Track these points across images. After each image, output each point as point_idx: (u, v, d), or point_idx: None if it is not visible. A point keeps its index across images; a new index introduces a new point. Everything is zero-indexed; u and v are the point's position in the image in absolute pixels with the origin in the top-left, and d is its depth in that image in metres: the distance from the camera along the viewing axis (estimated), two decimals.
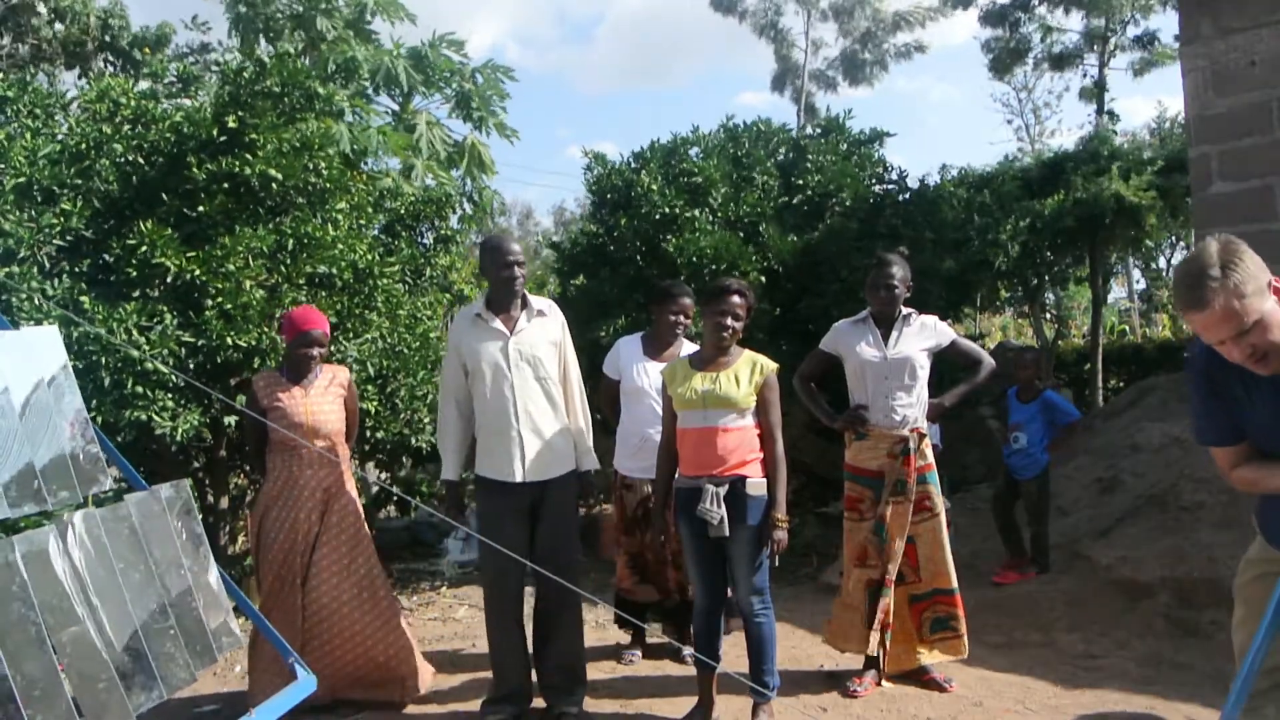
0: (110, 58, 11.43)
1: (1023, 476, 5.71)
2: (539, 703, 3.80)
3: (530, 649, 3.82)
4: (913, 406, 3.90)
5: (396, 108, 10.67)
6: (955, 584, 3.99)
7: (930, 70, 69.72)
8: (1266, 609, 1.98)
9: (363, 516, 3.99)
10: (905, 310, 4.00)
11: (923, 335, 3.98)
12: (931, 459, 4.00)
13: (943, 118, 69.61)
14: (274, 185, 5.22)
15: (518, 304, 3.71)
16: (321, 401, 3.88)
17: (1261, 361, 1.89)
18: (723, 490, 3.39)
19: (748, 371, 3.50)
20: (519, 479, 3.60)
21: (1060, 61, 17.50)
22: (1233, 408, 2.05)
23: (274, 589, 3.78)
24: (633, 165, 7.49)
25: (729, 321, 3.48)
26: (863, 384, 3.94)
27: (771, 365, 3.57)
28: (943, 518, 4.00)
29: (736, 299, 3.50)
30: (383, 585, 3.95)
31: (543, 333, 3.71)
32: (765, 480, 3.48)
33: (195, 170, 5.05)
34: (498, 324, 3.66)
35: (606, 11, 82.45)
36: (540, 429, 3.64)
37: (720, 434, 3.43)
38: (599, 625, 4.98)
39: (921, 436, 3.92)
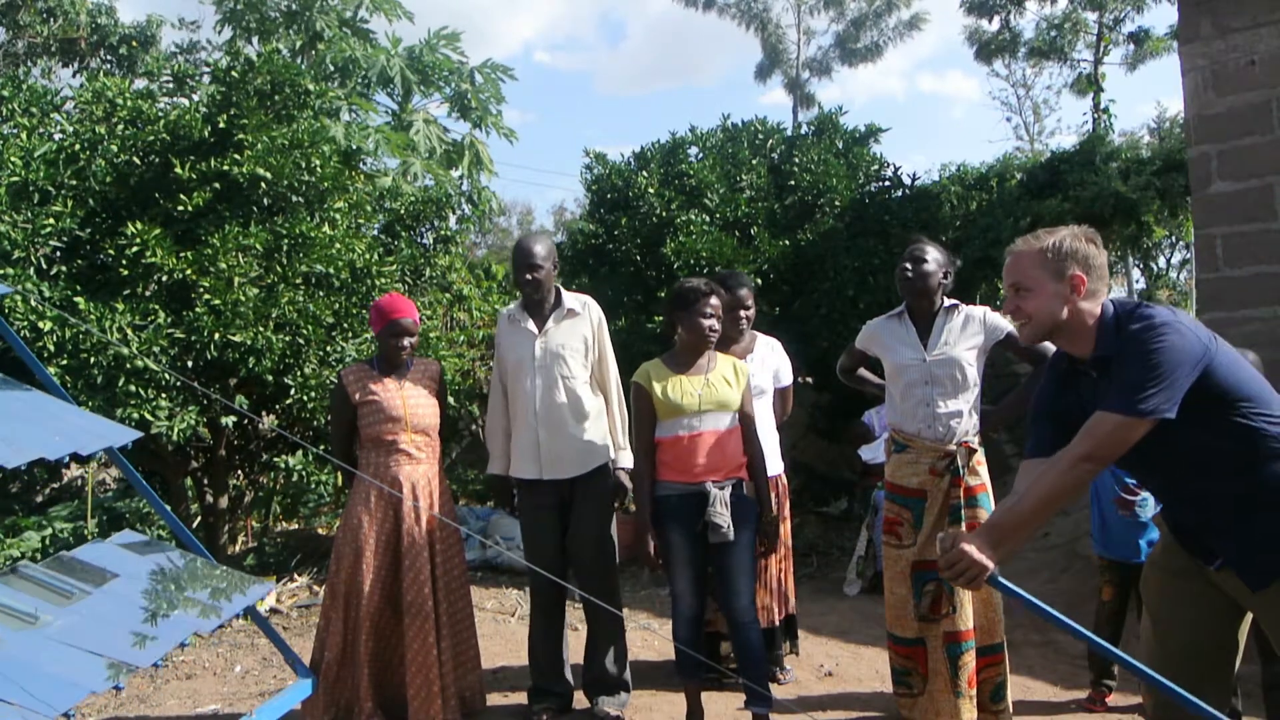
0: (104, 55, 11.43)
1: None
2: (582, 699, 3.79)
3: (566, 647, 3.86)
4: (960, 416, 3.34)
5: (396, 106, 10.66)
6: (1003, 636, 3.41)
7: (935, 69, 69.76)
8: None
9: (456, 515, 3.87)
10: (948, 302, 3.43)
11: (970, 331, 3.38)
12: (985, 478, 3.41)
13: (946, 118, 69.67)
14: (264, 184, 5.21)
15: (549, 303, 3.73)
16: (417, 394, 3.68)
17: (1020, 324, 2.24)
18: (726, 493, 3.34)
19: (731, 372, 3.48)
20: (538, 476, 3.64)
21: (1044, 52, 17.27)
22: (1068, 412, 2.23)
23: (355, 589, 3.53)
24: (632, 166, 7.48)
25: (714, 322, 3.40)
26: (900, 389, 3.42)
27: (744, 364, 3.59)
28: None
29: (716, 300, 3.41)
30: (467, 594, 3.78)
31: (571, 332, 3.70)
32: (752, 481, 3.47)
33: (181, 170, 5.05)
34: (529, 325, 3.70)
35: (638, 11, 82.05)
36: (560, 428, 3.62)
37: (721, 437, 3.39)
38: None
39: (971, 451, 3.37)
